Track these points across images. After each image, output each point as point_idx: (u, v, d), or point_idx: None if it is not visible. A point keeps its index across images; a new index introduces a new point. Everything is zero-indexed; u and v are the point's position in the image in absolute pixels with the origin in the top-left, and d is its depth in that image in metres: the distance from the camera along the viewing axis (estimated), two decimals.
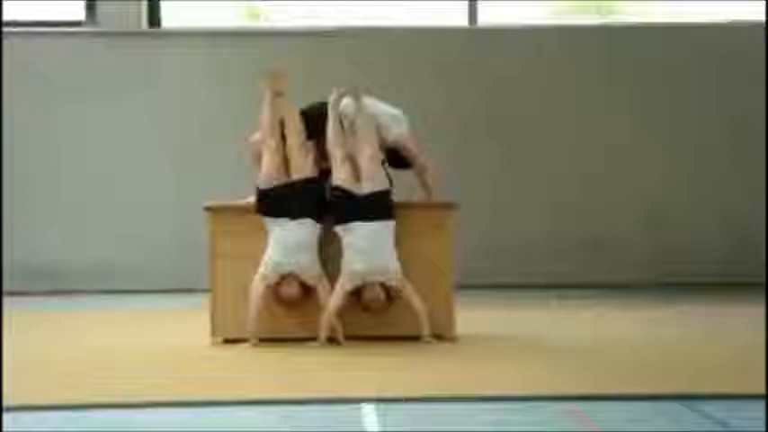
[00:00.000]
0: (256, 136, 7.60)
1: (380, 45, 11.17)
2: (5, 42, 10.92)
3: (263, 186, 7.28)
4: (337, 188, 7.24)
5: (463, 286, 7.99)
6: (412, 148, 7.67)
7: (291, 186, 7.26)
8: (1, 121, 10.92)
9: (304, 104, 7.61)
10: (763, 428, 4.77)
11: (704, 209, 11.27)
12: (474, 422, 5.02)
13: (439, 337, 7.21)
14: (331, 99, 7.55)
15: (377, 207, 7.19)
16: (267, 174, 7.29)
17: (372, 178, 7.26)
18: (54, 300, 10.42)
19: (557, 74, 11.25)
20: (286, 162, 7.33)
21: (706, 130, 11.28)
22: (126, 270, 11.02)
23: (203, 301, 7.59)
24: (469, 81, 11.18)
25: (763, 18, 11.15)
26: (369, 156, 7.34)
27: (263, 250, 7.16)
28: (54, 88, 11.04)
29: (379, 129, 7.55)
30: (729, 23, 11.37)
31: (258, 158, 7.46)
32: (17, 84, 10.95)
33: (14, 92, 10.94)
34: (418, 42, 11.23)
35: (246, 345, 7.08)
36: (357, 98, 7.54)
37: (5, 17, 10.93)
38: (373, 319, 7.22)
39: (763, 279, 10.74)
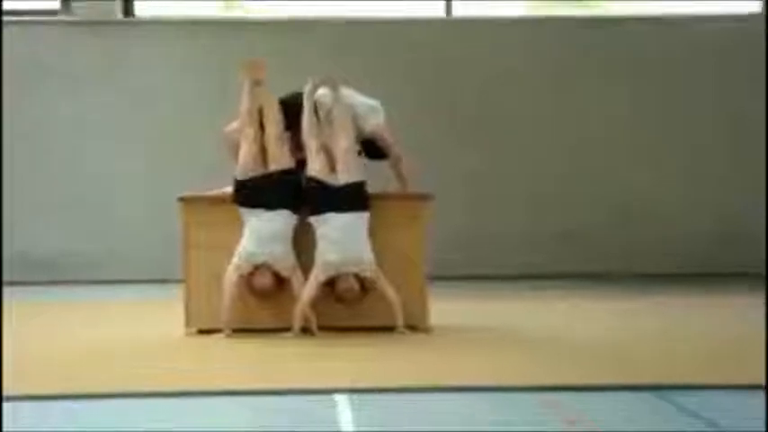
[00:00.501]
0: (233, 125, 7.58)
1: (358, 36, 11.15)
2: None
3: (240, 177, 7.26)
4: (312, 179, 7.22)
5: (438, 277, 7.98)
6: (388, 138, 7.66)
7: (268, 177, 7.23)
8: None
9: (280, 94, 7.59)
10: (740, 418, 4.80)
11: (690, 202, 11.27)
12: (447, 412, 5.03)
13: (413, 327, 7.21)
14: (306, 89, 7.53)
15: (352, 198, 7.18)
16: (244, 164, 7.27)
17: (348, 169, 7.25)
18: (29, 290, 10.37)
19: (536, 65, 11.24)
20: (263, 152, 7.31)
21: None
22: (99, 260, 10.98)
23: (178, 291, 7.56)
24: (446, 73, 11.17)
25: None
26: (344, 146, 7.32)
27: (237, 241, 7.14)
28: (27, 77, 10.98)
29: (355, 119, 7.54)
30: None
31: (234, 148, 7.43)
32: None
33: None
34: (395, 33, 11.21)
35: (220, 335, 7.07)
36: (334, 88, 7.52)
37: None
38: (347, 310, 7.21)
39: (743, 269, 10.82)
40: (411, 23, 11.30)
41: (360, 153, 7.54)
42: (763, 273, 10.50)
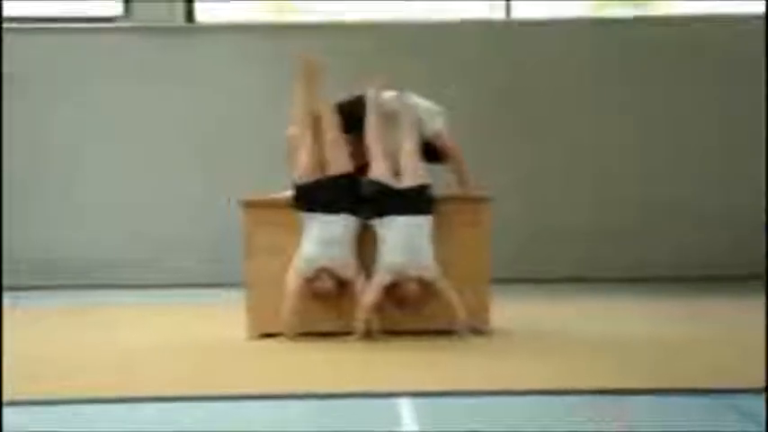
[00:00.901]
0: (292, 130, 7.60)
1: (416, 38, 11.13)
2: (40, 38, 10.98)
3: (299, 181, 7.27)
4: (375, 182, 7.22)
5: (498, 280, 7.95)
6: (449, 141, 7.67)
7: (328, 181, 7.24)
8: None
9: (337, 98, 7.61)
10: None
11: (735, 205, 11.16)
12: (509, 416, 5.01)
13: (475, 331, 7.20)
14: (370, 92, 7.54)
15: (415, 201, 7.17)
16: (304, 168, 7.28)
17: (412, 172, 7.25)
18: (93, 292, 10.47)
19: (597, 65, 11.18)
20: (322, 156, 7.32)
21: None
22: (160, 265, 11.04)
23: (230, 295, 7.57)
24: (505, 75, 11.13)
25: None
26: (409, 150, 7.33)
27: (298, 244, 7.16)
28: (88, 83, 11.08)
29: (417, 122, 7.55)
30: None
31: (293, 153, 7.46)
32: (49, 79, 11.02)
33: (50, 88, 11.01)
34: (453, 35, 11.18)
35: (282, 339, 7.08)
36: (398, 91, 7.53)
37: (45, 13, 11.03)
38: (409, 314, 7.20)
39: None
40: (470, 25, 11.27)
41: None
42: None
